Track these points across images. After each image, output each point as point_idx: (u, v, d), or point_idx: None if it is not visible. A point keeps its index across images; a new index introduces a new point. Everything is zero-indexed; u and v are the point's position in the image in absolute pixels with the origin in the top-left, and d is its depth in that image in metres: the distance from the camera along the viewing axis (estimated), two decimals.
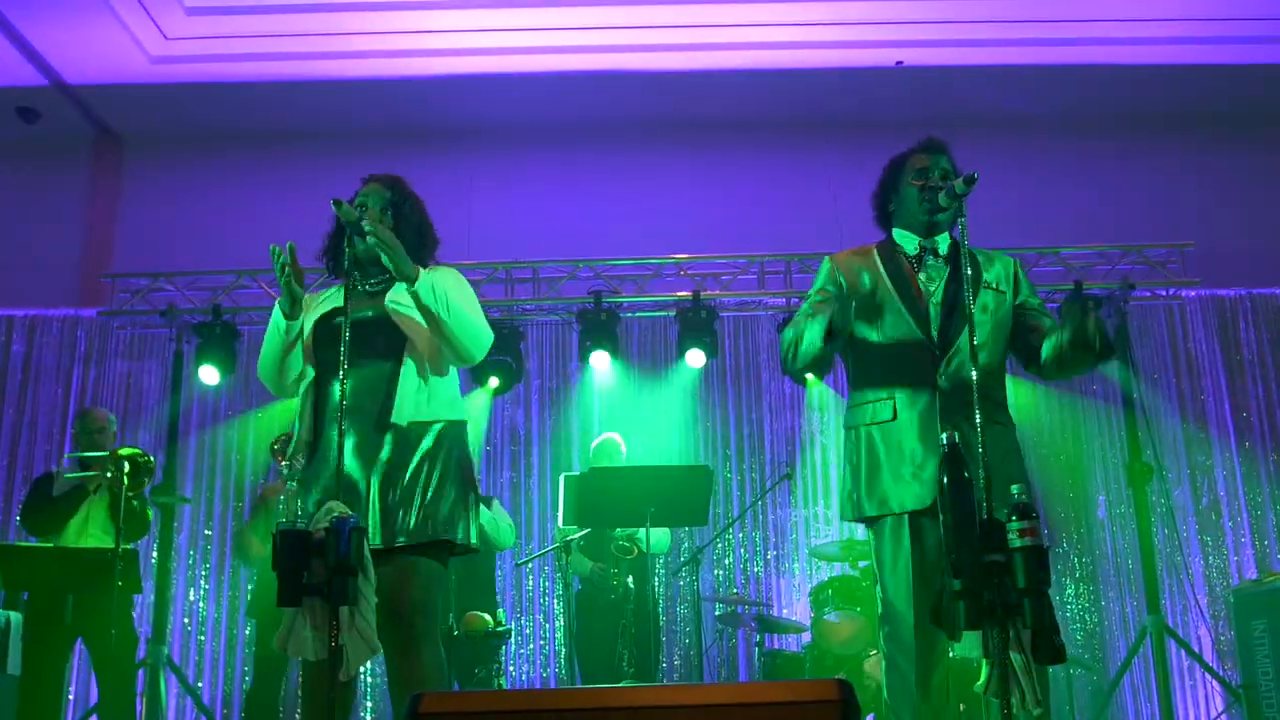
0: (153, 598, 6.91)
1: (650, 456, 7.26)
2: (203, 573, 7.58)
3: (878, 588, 3.22)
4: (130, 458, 5.32)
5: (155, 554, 7.11)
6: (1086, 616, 7.48)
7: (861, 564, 6.22)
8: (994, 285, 3.28)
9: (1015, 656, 2.60)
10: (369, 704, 7.24)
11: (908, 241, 3.32)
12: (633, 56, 7.54)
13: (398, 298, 3.25)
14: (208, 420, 7.80)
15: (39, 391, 7.87)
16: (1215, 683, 6.88)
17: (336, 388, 3.08)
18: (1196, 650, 6.90)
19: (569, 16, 7.12)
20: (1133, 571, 7.28)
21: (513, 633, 7.03)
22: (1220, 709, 6.90)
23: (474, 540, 3.25)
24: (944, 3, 7.11)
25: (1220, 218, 7.80)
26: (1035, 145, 7.98)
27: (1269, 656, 5.70)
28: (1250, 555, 7.43)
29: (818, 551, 6.88)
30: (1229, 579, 7.33)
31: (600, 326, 7.20)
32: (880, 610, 3.20)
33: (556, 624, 7.46)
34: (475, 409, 7.24)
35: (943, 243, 3.30)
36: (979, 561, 2.58)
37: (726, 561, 7.66)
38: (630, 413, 7.62)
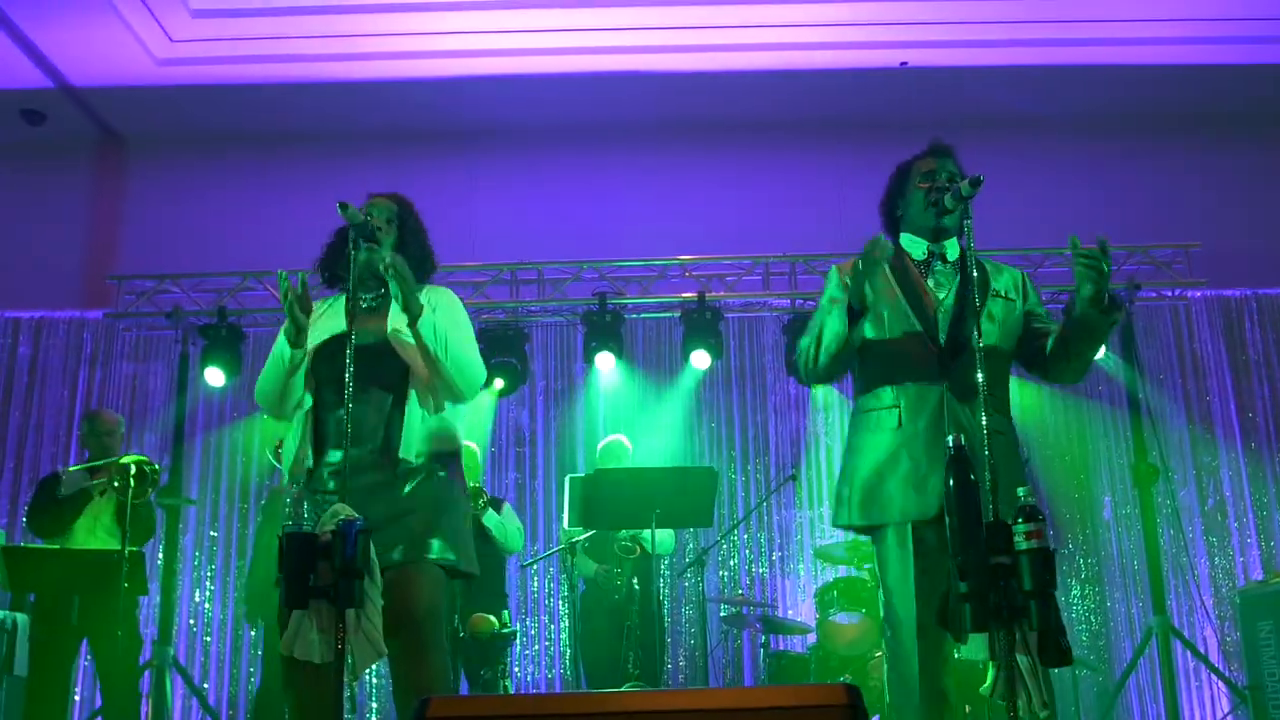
0: (158, 599, 6.94)
1: (655, 458, 7.26)
2: (208, 574, 7.59)
3: (880, 592, 3.22)
4: (135, 466, 5.34)
5: (161, 555, 7.12)
6: (1092, 617, 7.48)
7: (867, 565, 6.23)
8: (1003, 294, 3.27)
9: (1021, 658, 2.59)
10: (374, 705, 7.25)
11: (915, 247, 3.31)
12: (638, 58, 7.53)
13: (399, 325, 3.25)
14: (213, 422, 7.82)
15: (45, 394, 7.89)
16: (1221, 684, 6.86)
17: (336, 414, 3.12)
18: (1202, 651, 6.89)
19: (574, 18, 7.12)
20: (1138, 572, 7.28)
21: (518, 634, 7.04)
22: (1226, 710, 6.88)
23: (475, 569, 3.29)
24: (952, 4, 7.10)
25: (1226, 218, 7.78)
26: (1041, 146, 7.96)
27: (1275, 657, 5.69)
28: (1256, 556, 7.43)
29: (823, 553, 6.88)
30: (1235, 580, 7.33)
31: (605, 328, 7.20)
32: (883, 615, 3.19)
33: (561, 625, 7.47)
34: (480, 410, 7.24)
35: (951, 249, 3.29)
36: (985, 564, 2.58)
37: (732, 563, 7.66)
38: (635, 414, 7.63)
